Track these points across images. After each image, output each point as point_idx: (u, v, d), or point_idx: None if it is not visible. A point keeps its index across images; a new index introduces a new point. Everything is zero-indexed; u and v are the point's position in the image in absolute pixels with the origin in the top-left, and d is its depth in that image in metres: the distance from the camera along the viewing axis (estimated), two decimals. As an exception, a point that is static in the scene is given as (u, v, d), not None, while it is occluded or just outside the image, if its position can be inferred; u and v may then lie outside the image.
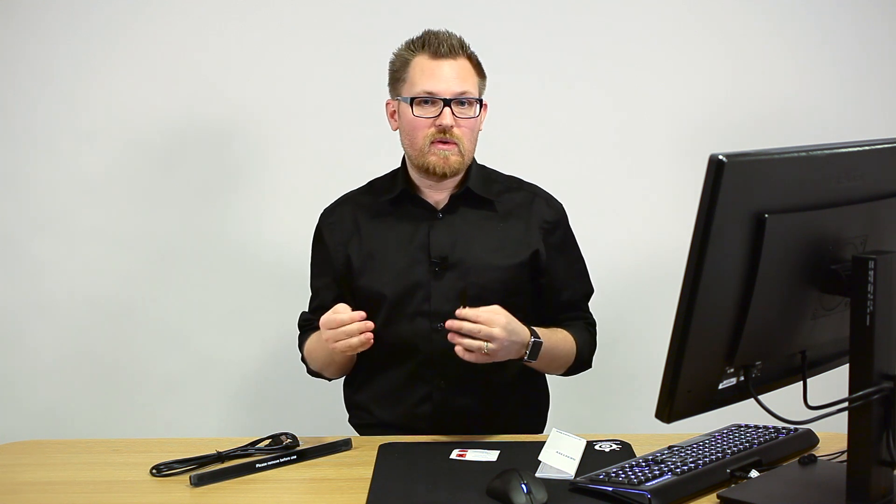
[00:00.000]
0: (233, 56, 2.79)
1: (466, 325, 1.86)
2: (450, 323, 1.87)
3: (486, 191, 2.13)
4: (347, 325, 1.87)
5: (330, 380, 2.20)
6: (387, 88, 2.13)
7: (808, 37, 2.83)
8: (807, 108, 2.83)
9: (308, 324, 2.17)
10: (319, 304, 2.15)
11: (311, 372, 2.18)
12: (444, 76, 2.02)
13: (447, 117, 2.01)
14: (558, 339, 2.05)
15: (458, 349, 1.88)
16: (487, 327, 1.86)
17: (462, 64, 2.04)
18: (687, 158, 2.69)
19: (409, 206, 2.12)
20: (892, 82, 2.84)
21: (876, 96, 2.83)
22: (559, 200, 2.19)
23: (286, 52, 2.79)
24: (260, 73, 2.80)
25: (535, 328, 1.97)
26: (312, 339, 2.11)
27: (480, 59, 2.10)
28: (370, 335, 1.88)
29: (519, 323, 1.92)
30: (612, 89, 2.82)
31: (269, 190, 2.83)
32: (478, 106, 2.05)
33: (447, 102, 2.01)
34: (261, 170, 2.83)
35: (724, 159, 1.29)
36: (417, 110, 2.03)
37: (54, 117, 2.80)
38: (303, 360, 2.18)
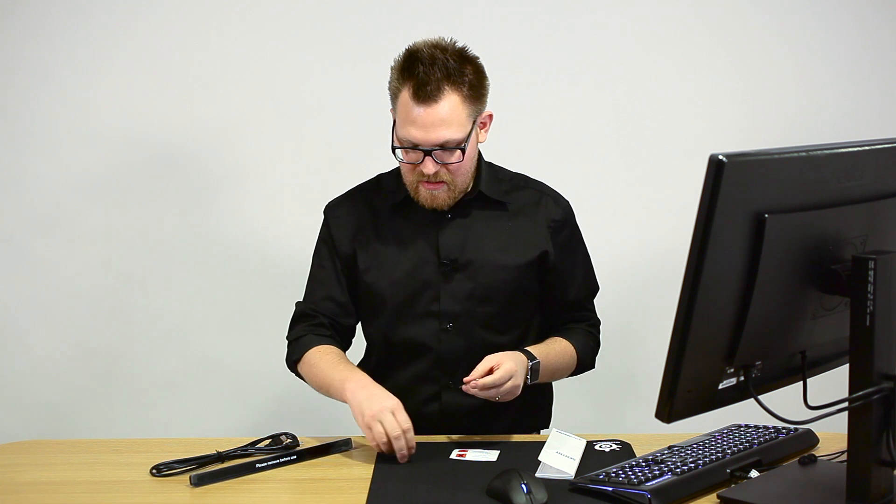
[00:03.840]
0: (232, 55, 2.79)
1: (485, 387, 1.87)
2: (467, 388, 1.88)
3: (495, 192, 2.11)
4: (397, 440, 1.82)
5: None
6: (388, 88, 2.11)
7: (809, 37, 2.83)
8: (807, 108, 2.83)
9: (311, 317, 2.11)
10: (327, 296, 2.11)
11: (292, 370, 2.11)
12: (425, 124, 1.92)
13: (428, 166, 1.96)
14: (557, 354, 2.06)
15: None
16: (501, 386, 1.88)
17: (448, 104, 1.92)
18: (687, 158, 2.68)
19: (416, 207, 2.08)
20: (892, 82, 2.84)
21: (876, 96, 2.83)
22: (566, 199, 2.17)
23: (285, 52, 2.79)
24: (259, 73, 2.80)
25: (530, 350, 1.99)
26: (322, 362, 2.02)
27: (483, 62, 2.01)
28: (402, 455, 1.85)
29: (518, 356, 1.94)
30: (613, 89, 2.82)
31: (268, 190, 2.83)
32: (462, 152, 1.97)
33: (428, 152, 1.95)
34: (260, 170, 2.83)
35: (724, 159, 1.29)
36: (402, 155, 1.99)
37: (54, 118, 2.80)
38: (294, 361, 2.09)
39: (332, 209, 2.17)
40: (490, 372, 1.88)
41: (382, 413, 1.82)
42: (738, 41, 2.82)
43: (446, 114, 1.93)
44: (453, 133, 1.94)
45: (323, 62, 2.79)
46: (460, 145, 1.96)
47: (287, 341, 2.13)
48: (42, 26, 2.77)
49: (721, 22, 2.82)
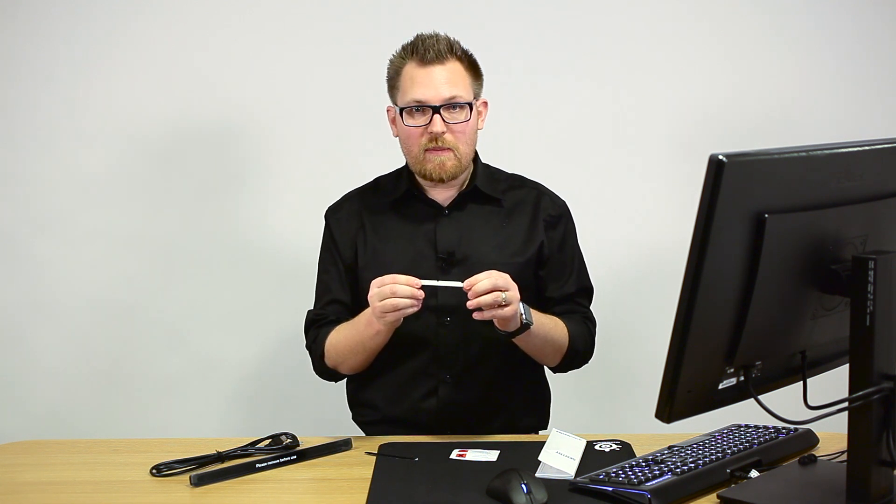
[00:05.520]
0: (232, 55, 2.79)
1: (482, 284, 1.85)
2: (468, 283, 1.86)
3: (492, 189, 2.14)
4: (398, 282, 1.86)
5: (338, 380, 2.18)
6: (386, 89, 2.13)
7: (808, 37, 2.83)
8: (807, 108, 2.83)
9: (322, 319, 2.14)
10: (333, 299, 2.14)
11: (321, 370, 2.14)
12: (432, 83, 2.01)
13: (437, 124, 2.01)
14: (550, 321, 2.05)
15: (475, 313, 1.87)
16: (501, 279, 1.87)
17: (452, 67, 2.03)
18: (687, 158, 2.69)
19: (415, 203, 2.13)
20: (892, 82, 2.84)
21: (876, 96, 2.83)
22: (562, 198, 2.20)
23: (286, 52, 2.79)
24: (259, 73, 2.80)
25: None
26: (342, 328, 2.07)
27: (478, 59, 2.09)
28: (421, 294, 1.87)
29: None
30: (613, 89, 2.82)
31: (269, 190, 2.83)
32: (469, 109, 2.04)
33: (436, 109, 2.01)
34: (261, 170, 2.83)
35: (724, 159, 1.29)
36: (408, 119, 2.03)
37: (54, 117, 2.80)
38: (319, 356, 2.11)
39: (332, 212, 2.20)
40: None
41: (376, 313, 1.89)
42: (739, 41, 2.82)
43: (452, 73, 2.03)
44: (460, 90, 2.03)
45: (324, 62, 2.79)
46: (468, 102, 2.03)
47: (308, 350, 2.16)
48: (42, 26, 2.77)
49: (721, 22, 2.82)
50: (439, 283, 1.92)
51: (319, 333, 2.11)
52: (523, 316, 1.93)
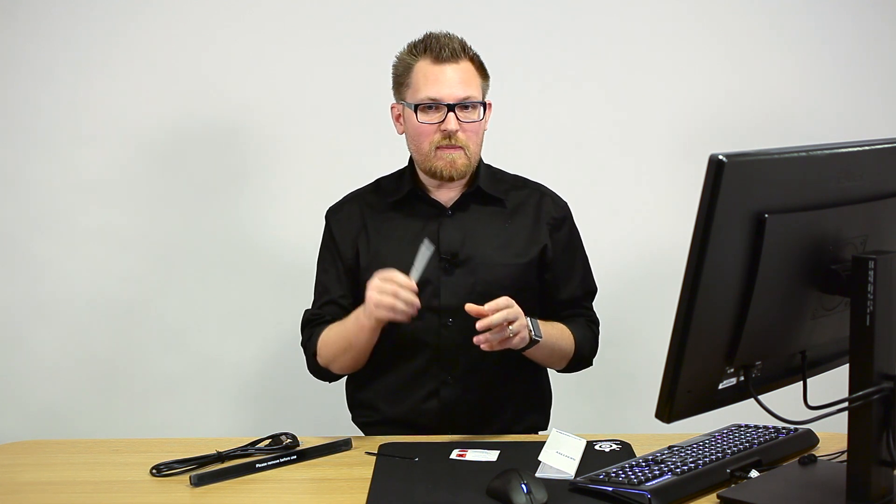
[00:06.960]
0: (233, 56, 2.79)
1: (495, 317, 1.86)
2: (478, 315, 1.87)
3: (495, 189, 2.15)
4: (403, 287, 1.88)
5: (332, 380, 2.18)
6: (389, 89, 2.13)
7: (808, 37, 2.83)
8: (807, 108, 2.83)
9: (318, 318, 2.14)
10: (331, 300, 2.14)
11: (315, 369, 2.14)
12: (447, 81, 2.02)
13: (452, 122, 2.02)
14: (556, 330, 2.06)
15: (482, 346, 1.89)
16: (509, 309, 1.88)
17: (465, 67, 2.05)
18: (687, 158, 2.69)
19: (417, 204, 2.13)
20: (892, 82, 2.84)
21: (876, 96, 2.83)
22: (564, 199, 2.21)
23: (287, 52, 2.79)
24: (260, 73, 2.80)
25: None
26: (333, 326, 2.08)
27: (483, 60, 2.10)
28: (417, 307, 1.89)
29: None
30: (613, 89, 2.82)
31: (269, 190, 2.83)
32: (482, 109, 2.06)
33: (451, 108, 2.02)
34: (261, 170, 2.83)
35: (724, 159, 1.29)
36: (422, 116, 2.04)
37: (55, 117, 2.80)
38: (312, 355, 2.12)
39: (333, 213, 2.20)
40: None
41: (373, 302, 1.90)
42: (739, 41, 2.82)
43: (466, 72, 2.05)
44: (473, 90, 2.05)
45: (325, 63, 2.79)
46: (480, 102, 2.05)
47: (302, 348, 2.16)
48: (42, 26, 2.77)
49: (721, 22, 2.82)
50: (418, 264, 1.94)
51: (314, 332, 2.12)
52: (532, 332, 1.95)
